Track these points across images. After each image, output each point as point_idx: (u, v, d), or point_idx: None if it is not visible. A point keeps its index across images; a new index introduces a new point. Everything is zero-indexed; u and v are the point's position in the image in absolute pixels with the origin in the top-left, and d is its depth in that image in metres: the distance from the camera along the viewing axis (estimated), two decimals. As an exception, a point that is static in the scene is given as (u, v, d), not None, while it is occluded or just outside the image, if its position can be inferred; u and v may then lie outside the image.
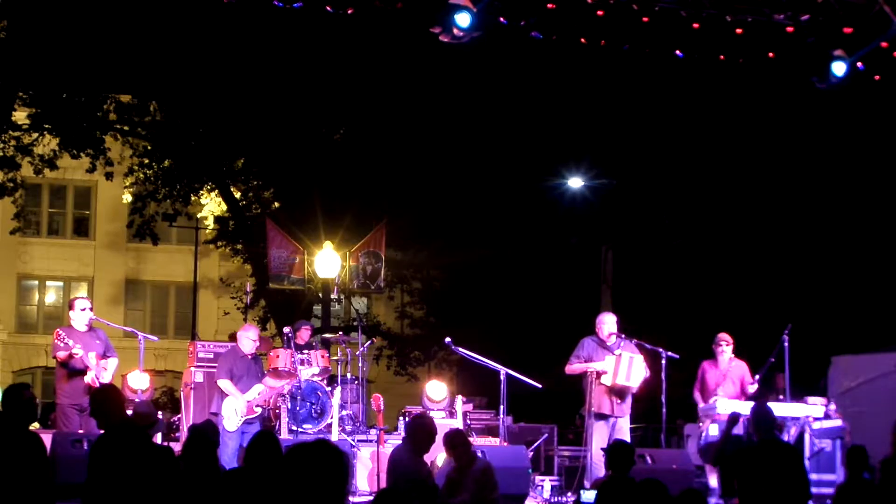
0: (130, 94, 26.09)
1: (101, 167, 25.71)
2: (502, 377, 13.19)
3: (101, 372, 11.99)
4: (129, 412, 11.41)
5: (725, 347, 13.61)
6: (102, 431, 7.48)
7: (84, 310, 12.39)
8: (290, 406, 13.54)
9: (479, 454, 10.70)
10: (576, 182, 27.05)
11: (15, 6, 23.02)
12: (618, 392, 12.81)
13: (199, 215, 29.74)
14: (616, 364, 12.75)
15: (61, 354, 11.96)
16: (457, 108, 24.97)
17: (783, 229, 25.58)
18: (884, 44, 12.49)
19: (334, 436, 13.13)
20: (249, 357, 13.25)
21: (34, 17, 22.96)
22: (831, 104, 18.50)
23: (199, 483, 7.37)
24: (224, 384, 12.94)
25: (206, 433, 8.15)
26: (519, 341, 26.51)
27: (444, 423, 13.49)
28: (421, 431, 9.32)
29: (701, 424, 13.66)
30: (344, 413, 14.13)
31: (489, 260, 28.53)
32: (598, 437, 12.68)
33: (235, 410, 12.87)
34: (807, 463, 12.69)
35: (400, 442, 10.20)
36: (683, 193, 26.55)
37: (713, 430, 13.33)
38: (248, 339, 13.26)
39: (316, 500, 4.23)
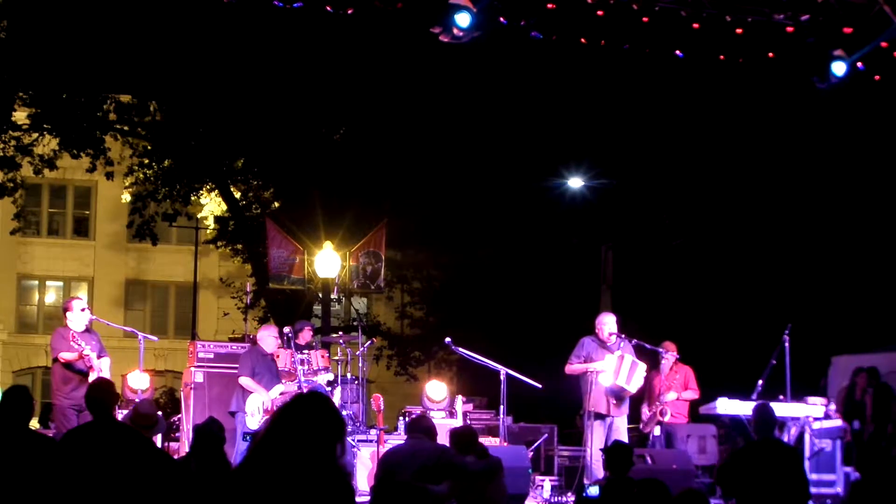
0: (130, 94, 26.08)
1: (101, 167, 25.72)
2: (502, 377, 13.19)
3: (100, 373, 11.97)
4: (128, 411, 11.42)
5: (666, 355, 13.85)
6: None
7: (84, 310, 12.36)
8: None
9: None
10: (576, 182, 27.04)
11: (15, 6, 23.03)
12: (615, 393, 12.83)
13: (199, 215, 29.74)
14: (618, 365, 12.76)
15: (69, 356, 11.88)
16: (457, 108, 24.96)
17: (783, 229, 25.57)
18: (884, 44, 12.49)
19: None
20: (269, 356, 13.35)
21: (34, 17, 22.96)
22: (831, 104, 18.49)
23: (210, 482, 7.37)
24: (246, 381, 12.96)
25: (212, 431, 8.15)
26: (519, 341, 26.49)
27: (444, 423, 13.50)
28: (429, 428, 9.35)
29: (643, 426, 13.84)
30: (344, 413, 14.12)
31: (489, 260, 28.53)
32: (596, 437, 12.70)
33: (258, 407, 12.88)
34: (807, 463, 12.72)
35: (401, 442, 10.20)
36: (683, 193, 26.54)
37: (656, 433, 13.72)
38: (272, 338, 13.41)
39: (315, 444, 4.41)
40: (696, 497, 7.14)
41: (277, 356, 14.35)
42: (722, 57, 12.63)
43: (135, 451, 7.10)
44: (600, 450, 11.43)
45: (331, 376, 14.13)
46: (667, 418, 13.73)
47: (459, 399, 14.83)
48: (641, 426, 13.98)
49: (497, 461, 9.53)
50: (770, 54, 12.67)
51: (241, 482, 4.49)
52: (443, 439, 10.14)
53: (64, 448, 7.21)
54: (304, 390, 13.56)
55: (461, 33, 11.63)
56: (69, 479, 6.93)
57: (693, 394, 14.04)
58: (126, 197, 28.67)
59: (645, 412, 13.97)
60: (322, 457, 4.42)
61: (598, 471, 12.44)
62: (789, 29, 12.50)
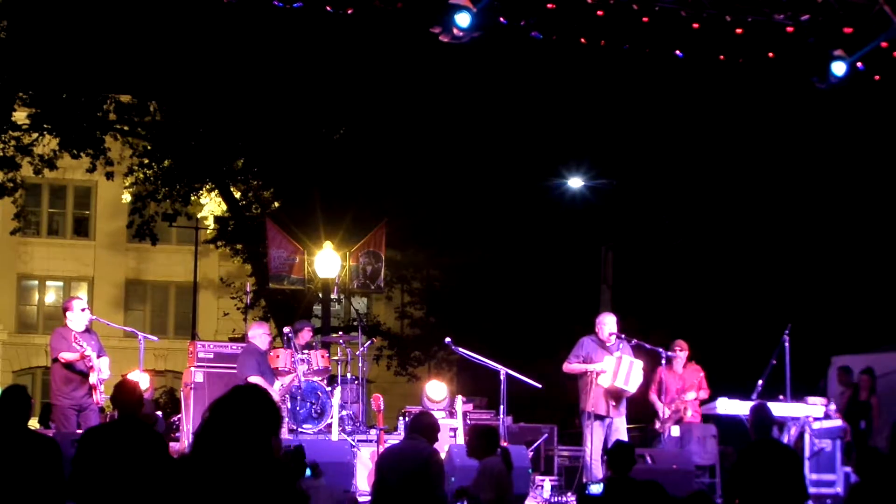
0: (130, 94, 26.09)
1: (101, 167, 25.72)
2: (502, 377, 13.19)
3: (99, 373, 11.96)
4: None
5: (680, 353, 13.93)
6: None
7: (84, 310, 12.33)
8: (290, 406, 13.54)
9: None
10: (576, 182, 27.05)
11: (15, 6, 23.02)
12: (614, 394, 12.82)
13: (199, 215, 29.75)
14: (616, 366, 12.75)
15: (69, 356, 11.84)
16: (457, 108, 24.96)
17: (783, 229, 25.57)
18: (884, 44, 12.49)
19: (334, 436, 13.13)
20: (265, 354, 13.38)
21: (34, 17, 22.96)
22: (831, 104, 18.49)
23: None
24: (258, 381, 12.92)
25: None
26: (519, 341, 26.49)
27: (443, 423, 13.49)
28: (428, 425, 9.34)
29: (661, 425, 13.75)
30: (344, 413, 14.12)
31: (489, 260, 28.53)
32: (595, 437, 12.69)
33: None
34: (807, 463, 12.71)
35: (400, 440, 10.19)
36: (683, 193, 26.54)
37: (675, 432, 13.66)
38: (266, 335, 13.49)
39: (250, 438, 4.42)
40: (703, 499, 7.17)
41: (277, 355, 14.36)
42: (722, 57, 12.63)
43: (154, 451, 7.13)
44: (603, 450, 11.42)
45: (305, 366, 14.06)
46: (689, 416, 13.69)
47: (459, 399, 14.82)
48: (658, 424, 13.80)
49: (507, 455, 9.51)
50: (770, 54, 12.67)
51: (182, 476, 4.48)
52: (443, 439, 10.13)
53: (85, 445, 7.23)
54: (301, 385, 13.61)
55: (461, 33, 11.63)
56: (89, 475, 6.95)
57: (705, 393, 14.01)
58: (126, 197, 28.68)
59: (662, 409, 13.76)
60: (256, 450, 4.42)
61: (598, 471, 12.45)
62: (789, 29, 12.50)
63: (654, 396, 13.80)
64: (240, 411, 4.45)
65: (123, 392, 7.64)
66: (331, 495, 9.06)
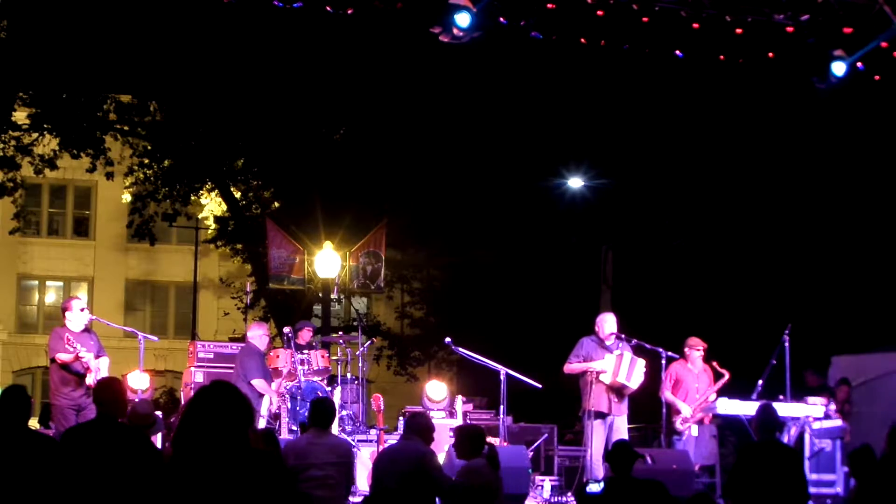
0: (130, 94, 26.10)
1: (101, 167, 25.73)
2: (502, 377, 13.19)
3: (97, 373, 11.95)
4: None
5: (702, 350, 13.70)
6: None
7: (83, 310, 12.32)
8: (290, 406, 13.54)
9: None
10: (576, 182, 27.05)
11: (15, 6, 23.02)
12: (616, 391, 12.81)
13: (199, 215, 29.75)
14: (617, 362, 12.75)
15: (65, 357, 11.83)
16: (457, 108, 24.97)
17: (783, 229, 25.57)
18: (884, 44, 12.49)
19: (334, 436, 13.12)
20: (264, 355, 13.41)
21: (34, 17, 22.96)
22: (831, 104, 18.48)
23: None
24: (261, 384, 12.91)
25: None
26: (519, 341, 26.48)
27: (444, 423, 13.51)
28: (424, 426, 9.33)
29: (681, 425, 13.62)
30: (344, 413, 14.12)
31: (489, 260, 28.54)
32: (597, 436, 12.69)
33: (266, 409, 12.91)
34: (807, 463, 12.71)
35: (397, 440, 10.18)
36: (683, 193, 26.54)
37: (694, 431, 13.48)
38: (265, 336, 13.51)
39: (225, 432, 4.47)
40: (705, 501, 7.17)
41: (277, 355, 14.36)
42: (722, 57, 12.64)
43: (136, 451, 7.09)
44: (604, 451, 11.38)
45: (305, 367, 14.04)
46: (712, 415, 13.59)
47: (459, 399, 14.83)
48: (680, 422, 13.62)
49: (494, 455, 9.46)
50: (770, 54, 12.68)
51: (169, 476, 4.49)
52: (443, 439, 10.13)
53: (64, 446, 7.21)
54: (301, 385, 13.61)
55: (461, 33, 11.64)
56: (69, 477, 6.93)
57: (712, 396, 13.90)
58: (126, 197, 28.69)
59: (682, 407, 13.61)
60: (234, 442, 4.42)
61: (599, 470, 12.44)
62: (789, 29, 12.51)
63: (670, 395, 13.51)
64: (212, 408, 4.46)
65: (107, 392, 7.52)
66: (332, 450, 9.04)
